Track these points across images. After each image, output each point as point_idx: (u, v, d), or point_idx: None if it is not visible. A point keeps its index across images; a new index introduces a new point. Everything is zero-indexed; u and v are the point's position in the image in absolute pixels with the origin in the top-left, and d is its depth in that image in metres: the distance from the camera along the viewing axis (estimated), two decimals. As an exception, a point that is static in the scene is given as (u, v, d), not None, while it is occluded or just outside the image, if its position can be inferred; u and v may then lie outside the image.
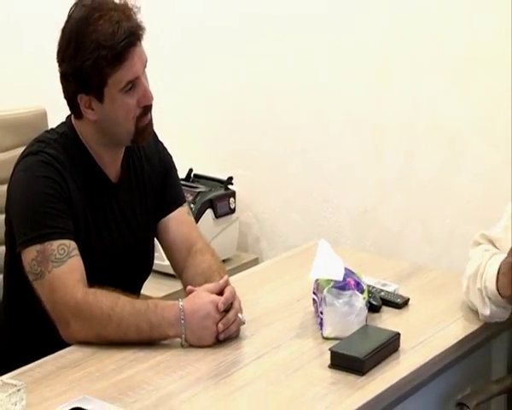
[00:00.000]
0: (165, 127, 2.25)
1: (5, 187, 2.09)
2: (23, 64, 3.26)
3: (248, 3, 2.84)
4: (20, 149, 2.10)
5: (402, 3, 2.56)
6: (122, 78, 1.97)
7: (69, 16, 2.00)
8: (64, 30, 2.00)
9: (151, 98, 2.03)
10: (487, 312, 2.00)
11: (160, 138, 2.24)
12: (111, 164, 2.10)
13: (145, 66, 2.02)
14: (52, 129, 2.15)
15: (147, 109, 2.03)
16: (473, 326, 2.05)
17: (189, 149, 2.86)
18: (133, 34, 1.97)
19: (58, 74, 2.04)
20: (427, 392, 1.96)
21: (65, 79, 2.01)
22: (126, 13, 1.98)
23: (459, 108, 2.49)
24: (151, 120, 2.06)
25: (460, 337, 2.01)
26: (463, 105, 2.48)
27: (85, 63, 1.94)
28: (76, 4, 2.00)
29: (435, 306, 2.07)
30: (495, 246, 2.08)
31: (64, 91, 2.04)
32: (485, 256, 2.04)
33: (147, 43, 2.01)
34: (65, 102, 2.07)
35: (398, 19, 2.57)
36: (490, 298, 1.98)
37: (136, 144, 2.11)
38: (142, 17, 2.00)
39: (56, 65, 2.03)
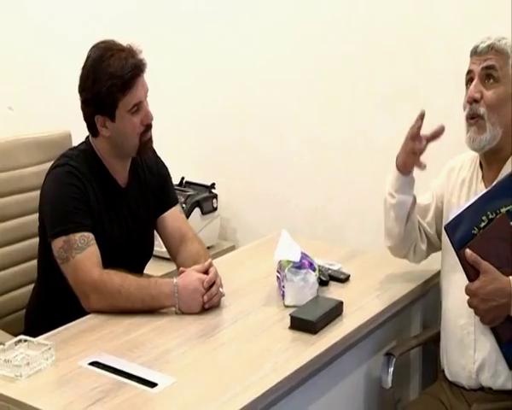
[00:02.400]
0: (163, 145, 2.23)
1: (38, 192, 2.08)
2: (53, 96, 3.24)
3: (229, 33, 2.82)
4: (50, 163, 2.10)
5: (340, 52, 2.56)
6: (129, 101, 1.97)
7: (88, 56, 2.01)
8: (84, 67, 2.00)
9: (151, 118, 2.03)
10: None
11: (159, 153, 2.24)
12: (120, 173, 2.09)
13: (147, 93, 2.02)
14: (75, 147, 2.14)
15: (148, 127, 2.03)
16: (398, 295, 2.07)
17: (181, 161, 2.85)
18: (137, 67, 1.98)
19: (79, 103, 2.04)
20: (364, 345, 1.97)
21: (85, 104, 2.01)
22: (131, 52, 1.99)
23: (386, 129, 2.50)
24: (151, 136, 2.06)
25: (388, 304, 2.03)
26: (389, 126, 2.49)
27: (101, 90, 1.95)
28: (93, 47, 2.02)
29: (370, 280, 2.08)
30: None
31: (84, 114, 2.03)
32: None
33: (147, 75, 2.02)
34: (84, 124, 2.06)
35: (339, 61, 2.57)
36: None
37: (139, 156, 2.10)
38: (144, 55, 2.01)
39: (78, 96, 2.03)
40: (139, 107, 1.99)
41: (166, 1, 2.96)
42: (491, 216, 1.83)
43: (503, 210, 1.83)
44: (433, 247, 2.11)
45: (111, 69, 1.95)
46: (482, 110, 1.87)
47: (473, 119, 1.89)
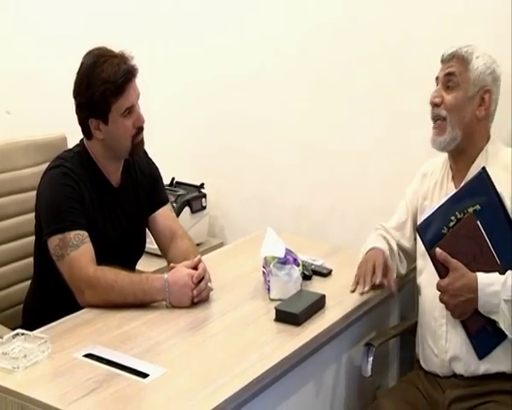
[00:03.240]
0: (154, 147, 2.23)
1: (35, 192, 2.06)
2: (49, 100, 3.22)
3: (217, 40, 2.81)
4: (46, 164, 2.09)
5: (323, 61, 2.57)
6: (122, 105, 1.96)
7: (82, 63, 1.99)
8: (78, 72, 1.99)
9: (143, 121, 2.02)
10: None
11: (150, 155, 2.23)
12: (113, 173, 2.08)
13: (138, 97, 2.01)
14: (69, 149, 2.13)
15: (140, 130, 2.03)
16: (377, 289, 2.06)
17: (172, 163, 2.84)
18: (129, 73, 1.97)
19: (74, 107, 2.02)
20: (345, 336, 1.97)
21: (79, 108, 2.00)
22: (124, 58, 1.98)
23: (366, 132, 2.51)
24: (143, 139, 2.06)
25: (367, 297, 2.02)
26: (369, 130, 2.50)
27: (95, 95, 1.93)
28: (87, 54, 2.01)
29: (351, 275, 2.07)
30: (388, 232, 2.11)
31: (78, 118, 2.02)
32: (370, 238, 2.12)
33: (139, 80, 2.01)
34: (79, 128, 2.05)
35: (322, 69, 2.57)
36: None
37: (131, 157, 2.09)
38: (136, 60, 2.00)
39: (72, 100, 2.02)
40: (131, 110, 1.99)
41: (158, 10, 2.94)
42: (459, 216, 1.85)
43: (471, 210, 1.84)
44: (413, 259, 2.11)
45: (104, 75, 1.94)
46: (444, 113, 1.91)
47: (435, 121, 1.93)
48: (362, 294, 1.97)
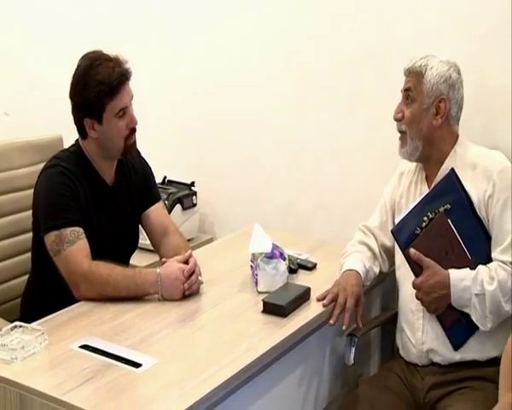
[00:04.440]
0: (147, 147, 2.22)
1: (32, 190, 2.05)
2: (46, 102, 3.21)
3: (207, 42, 2.80)
4: (42, 164, 2.07)
5: (308, 64, 2.56)
6: (116, 106, 1.96)
7: (78, 65, 1.99)
8: (74, 74, 1.99)
9: (136, 123, 2.02)
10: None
11: (143, 154, 2.22)
12: (107, 172, 2.08)
13: (132, 99, 2.01)
14: (65, 149, 2.12)
15: (132, 131, 2.02)
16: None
17: (164, 162, 2.84)
18: (123, 75, 1.97)
19: (70, 109, 2.02)
20: (329, 327, 1.96)
21: (75, 108, 1.99)
22: (118, 62, 1.98)
23: (349, 132, 2.51)
24: (135, 140, 2.05)
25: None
26: (352, 130, 2.50)
27: (90, 95, 1.93)
28: (83, 57, 2.00)
29: (334, 268, 2.08)
30: (371, 232, 2.09)
31: (74, 118, 2.01)
32: (351, 246, 2.07)
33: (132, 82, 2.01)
34: (74, 128, 2.05)
35: (308, 72, 2.57)
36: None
37: (124, 157, 2.09)
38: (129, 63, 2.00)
39: (68, 102, 2.01)
40: (125, 111, 1.98)
41: (148, 11, 2.92)
42: (431, 216, 1.87)
43: (441, 209, 1.86)
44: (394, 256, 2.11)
45: (99, 76, 1.93)
46: (404, 127, 1.94)
47: (400, 134, 1.96)
48: (323, 306, 1.90)
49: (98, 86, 1.93)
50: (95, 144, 2.02)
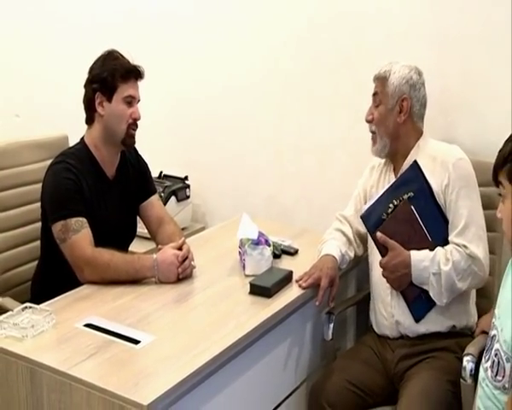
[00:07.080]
0: (145, 144, 2.21)
1: (40, 185, 2.05)
2: (54, 104, 3.18)
3: (199, 46, 2.78)
4: (49, 161, 2.07)
5: (290, 69, 2.56)
6: (126, 90, 1.97)
7: (97, 59, 2.01)
8: (94, 63, 2.01)
9: (139, 116, 2.02)
10: None
11: (141, 151, 2.22)
12: (109, 166, 2.07)
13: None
14: (71, 147, 2.11)
15: (135, 121, 2.01)
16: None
17: (160, 158, 2.83)
18: (138, 71, 2.00)
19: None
20: (310, 306, 1.98)
21: (89, 82, 2.00)
22: (133, 63, 2.01)
23: (327, 131, 2.52)
24: (135, 135, 2.04)
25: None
26: (329, 128, 2.51)
27: (107, 70, 1.96)
28: (99, 57, 2.02)
29: (314, 254, 2.09)
30: (347, 220, 2.10)
31: (86, 93, 2.01)
32: (329, 234, 2.07)
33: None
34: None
35: (289, 76, 2.57)
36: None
37: (124, 145, 2.05)
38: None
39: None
40: (131, 102, 1.99)
41: (146, 17, 2.90)
42: (396, 203, 1.88)
43: (405, 197, 1.88)
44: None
45: (117, 61, 1.98)
46: (374, 127, 1.98)
47: (372, 134, 1.99)
48: (300, 287, 1.92)
49: (115, 66, 1.96)
50: (99, 127, 2.00)
